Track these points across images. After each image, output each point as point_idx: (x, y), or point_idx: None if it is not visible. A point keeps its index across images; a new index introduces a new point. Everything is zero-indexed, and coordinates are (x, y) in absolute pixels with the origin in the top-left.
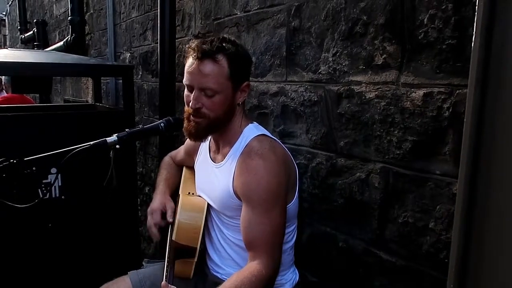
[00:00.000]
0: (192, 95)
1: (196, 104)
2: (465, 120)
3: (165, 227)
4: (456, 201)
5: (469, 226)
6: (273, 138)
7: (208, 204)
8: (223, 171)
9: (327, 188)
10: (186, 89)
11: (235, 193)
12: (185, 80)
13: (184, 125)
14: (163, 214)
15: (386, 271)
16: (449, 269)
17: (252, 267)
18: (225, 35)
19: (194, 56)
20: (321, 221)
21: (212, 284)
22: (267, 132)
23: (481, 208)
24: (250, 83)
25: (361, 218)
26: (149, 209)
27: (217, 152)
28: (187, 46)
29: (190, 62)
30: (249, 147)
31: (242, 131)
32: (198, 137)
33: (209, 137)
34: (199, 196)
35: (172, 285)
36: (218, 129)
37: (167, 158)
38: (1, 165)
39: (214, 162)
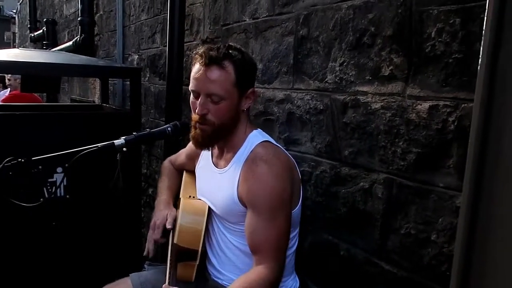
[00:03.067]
0: (198, 101)
1: (202, 110)
2: (470, 133)
3: (166, 235)
4: (460, 213)
5: (472, 238)
6: (277, 145)
7: (209, 208)
8: (227, 177)
9: (330, 196)
10: (192, 96)
11: (239, 199)
12: (191, 86)
13: (191, 133)
14: (165, 231)
15: (387, 282)
16: (451, 282)
17: (259, 270)
18: (231, 43)
19: (201, 62)
20: (323, 229)
21: None
22: (271, 138)
23: (484, 221)
24: (256, 89)
25: (363, 227)
26: (152, 223)
27: (220, 158)
28: (193, 52)
29: (197, 68)
30: (254, 153)
31: (246, 138)
32: (205, 145)
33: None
34: (200, 199)
35: (175, 287)
36: (223, 136)
37: (166, 163)
38: (9, 163)
39: (217, 168)
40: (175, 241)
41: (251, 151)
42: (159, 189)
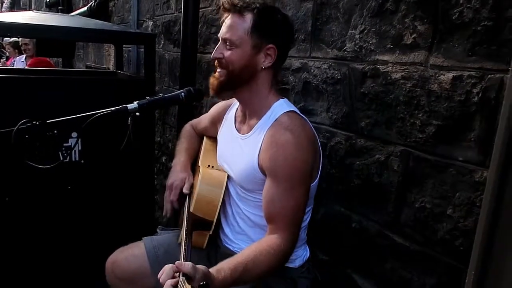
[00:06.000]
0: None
1: (216, 53)
2: (503, 106)
3: (182, 199)
4: (486, 189)
5: (497, 214)
6: (302, 116)
7: (227, 177)
8: (249, 143)
9: (344, 168)
10: None
11: (259, 166)
12: None
13: (210, 80)
14: (181, 195)
15: (398, 255)
16: (472, 256)
17: (272, 240)
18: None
19: (223, 8)
20: (336, 200)
21: (224, 256)
22: (297, 109)
23: (510, 197)
24: (274, 49)
25: (376, 200)
26: (169, 183)
27: (243, 123)
28: None
29: (224, 15)
30: (278, 121)
31: (271, 105)
32: (218, 92)
33: (232, 108)
34: (219, 170)
35: (189, 260)
36: (235, 87)
37: (188, 127)
38: (25, 126)
39: (239, 133)
40: (191, 210)
41: (276, 119)
42: (177, 151)
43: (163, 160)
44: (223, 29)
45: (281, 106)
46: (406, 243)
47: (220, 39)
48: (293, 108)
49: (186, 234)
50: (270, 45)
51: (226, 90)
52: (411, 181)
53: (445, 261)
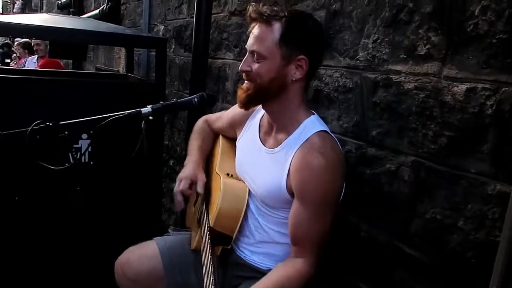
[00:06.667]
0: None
1: (244, 66)
2: None
3: (189, 197)
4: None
5: None
6: (333, 137)
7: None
8: (276, 160)
9: (354, 177)
10: None
11: (287, 187)
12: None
13: (238, 93)
14: (191, 185)
15: (408, 265)
16: (494, 269)
17: (298, 264)
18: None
19: (251, 17)
20: (344, 209)
21: (235, 264)
22: (327, 127)
23: None
24: (306, 60)
25: (386, 210)
26: (179, 176)
27: (269, 135)
28: (249, 6)
29: (251, 25)
30: (310, 142)
31: (302, 121)
32: (245, 105)
33: (257, 115)
34: (239, 180)
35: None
36: (265, 99)
37: (202, 123)
38: (38, 127)
39: (264, 145)
40: (211, 225)
41: (307, 139)
42: (190, 148)
43: (171, 164)
44: (250, 40)
45: (313, 124)
46: (416, 254)
47: (248, 50)
48: (325, 127)
49: (211, 254)
50: (301, 56)
51: (254, 103)
52: (422, 191)
53: (455, 273)
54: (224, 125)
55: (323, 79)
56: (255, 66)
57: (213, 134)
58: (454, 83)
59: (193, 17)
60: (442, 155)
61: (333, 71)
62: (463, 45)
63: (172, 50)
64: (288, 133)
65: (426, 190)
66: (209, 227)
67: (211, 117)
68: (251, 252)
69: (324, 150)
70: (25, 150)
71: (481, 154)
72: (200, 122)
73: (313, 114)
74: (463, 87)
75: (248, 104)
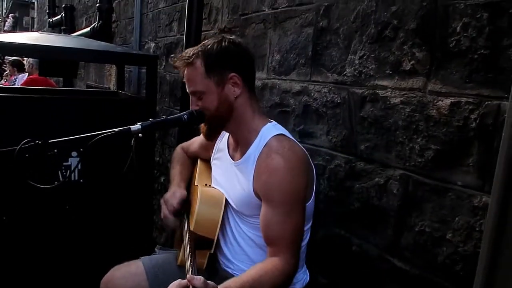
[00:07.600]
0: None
1: (192, 107)
2: (504, 130)
3: (178, 214)
4: (488, 213)
5: (499, 239)
6: (291, 138)
7: (226, 201)
8: (243, 170)
9: (344, 191)
10: None
11: (255, 193)
12: None
13: (200, 129)
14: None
15: (398, 279)
16: (475, 281)
17: (275, 261)
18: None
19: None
20: (335, 223)
21: (223, 279)
22: (286, 131)
23: None
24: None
25: (376, 223)
26: (162, 200)
27: (236, 150)
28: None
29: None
30: (268, 146)
31: (260, 130)
32: (210, 137)
33: (224, 135)
34: (216, 188)
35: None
36: (222, 125)
37: (179, 150)
38: (27, 145)
39: (233, 160)
40: (191, 229)
41: (265, 145)
42: (171, 176)
43: (162, 180)
44: (186, 84)
45: (269, 130)
46: (406, 267)
47: (189, 94)
48: (281, 130)
49: (190, 252)
50: (231, 74)
51: (215, 133)
52: (410, 204)
53: (445, 286)
54: (197, 148)
55: (312, 94)
56: (200, 103)
57: (191, 159)
58: (439, 98)
59: (183, 35)
60: (429, 168)
61: (321, 86)
62: (446, 61)
63: (162, 67)
64: (249, 143)
65: (415, 203)
66: (190, 231)
67: (186, 143)
68: (237, 261)
69: (282, 151)
70: (14, 168)
71: (467, 166)
72: (177, 150)
73: (270, 122)
74: (448, 101)
75: (211, 136)
